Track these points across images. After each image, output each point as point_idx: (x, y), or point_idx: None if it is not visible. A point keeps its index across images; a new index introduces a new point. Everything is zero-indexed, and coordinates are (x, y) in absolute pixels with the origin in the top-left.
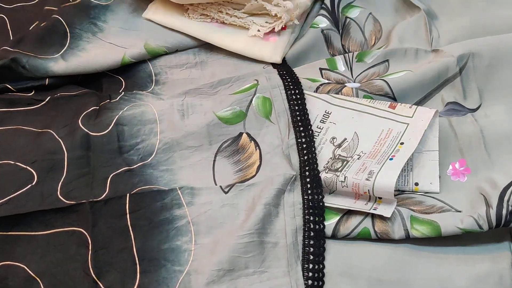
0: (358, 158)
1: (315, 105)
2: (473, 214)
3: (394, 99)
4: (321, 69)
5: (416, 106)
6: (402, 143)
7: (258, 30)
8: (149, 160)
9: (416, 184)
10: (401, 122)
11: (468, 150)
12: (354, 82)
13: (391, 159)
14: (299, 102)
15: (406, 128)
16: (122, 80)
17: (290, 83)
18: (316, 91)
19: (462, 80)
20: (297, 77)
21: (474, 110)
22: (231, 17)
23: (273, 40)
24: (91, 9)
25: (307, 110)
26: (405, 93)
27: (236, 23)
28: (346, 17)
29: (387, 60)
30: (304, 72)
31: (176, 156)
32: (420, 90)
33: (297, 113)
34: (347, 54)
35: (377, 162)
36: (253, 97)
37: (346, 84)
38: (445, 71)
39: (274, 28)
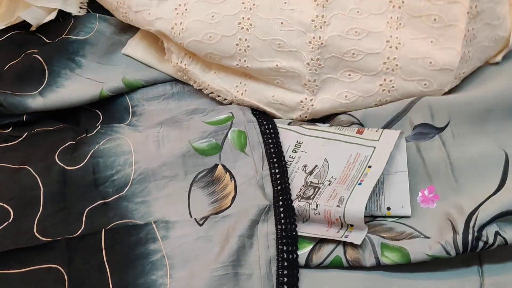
0: (329, 184)
1: (287, 137)
2: (441, 240)
3: (361, 125)
4: None
5: (382, 129)
6: (369, 167)
7: None
8: (124, 191)
9: (388, 208)
10: (368, 146)
11: (436, 177)
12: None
13: (360, 183)
14: (273, 136)
15: (373, 152)
16: (100, 113)
17: (263, 119)
18: (289, 124)
19: (428, 99)
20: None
21: (442, 129)
22: None
23: None
24: (70, 44)
25: (280, 142)
26: (370, 119)
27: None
28: None
29: None
30: None
31: (151, 186)
32: (385, 115)
33: (271, 145)
34: None
35: (347, 188)
36: (228, 131)
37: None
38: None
39: None
